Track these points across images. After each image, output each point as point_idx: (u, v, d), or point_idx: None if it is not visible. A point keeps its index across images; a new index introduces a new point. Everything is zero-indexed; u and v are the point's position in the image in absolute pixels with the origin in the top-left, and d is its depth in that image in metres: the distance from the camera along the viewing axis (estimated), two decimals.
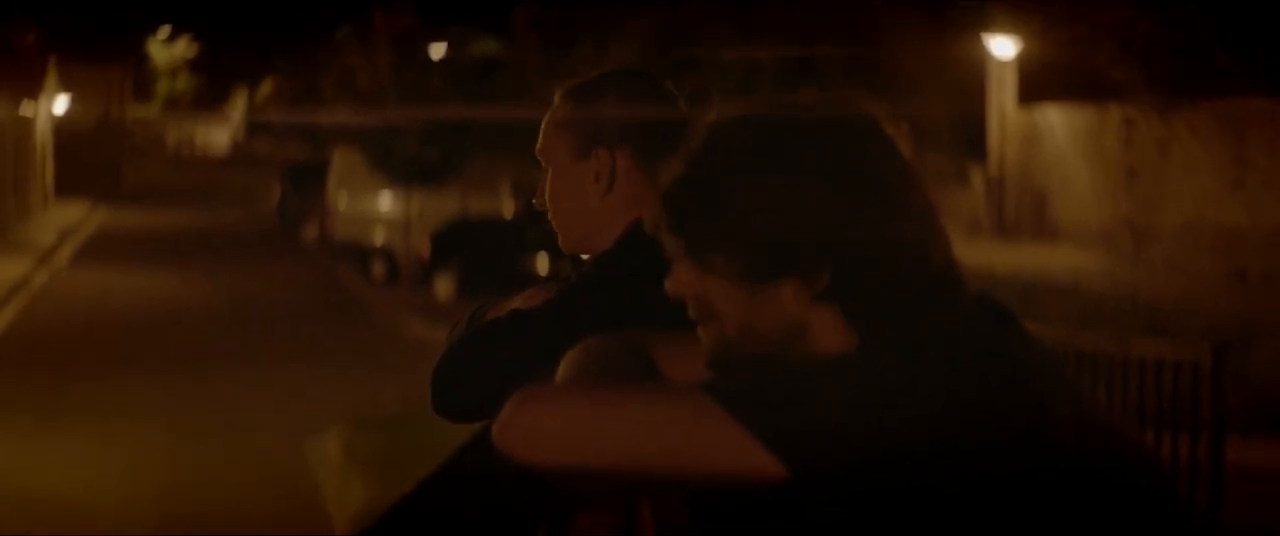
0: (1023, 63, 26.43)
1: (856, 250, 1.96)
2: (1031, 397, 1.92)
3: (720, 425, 1.87)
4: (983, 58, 27.02)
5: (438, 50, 33.33)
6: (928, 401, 1.86)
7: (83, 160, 52.60)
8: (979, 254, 24.55)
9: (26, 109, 39.45)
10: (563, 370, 2.10)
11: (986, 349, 1.94)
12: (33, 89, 40.51)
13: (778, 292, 1.98)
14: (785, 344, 1.99)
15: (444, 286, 22.80)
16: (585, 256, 2.86)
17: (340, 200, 30.12)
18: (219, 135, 72.59)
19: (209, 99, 74.73)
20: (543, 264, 21.12)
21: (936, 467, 1.85)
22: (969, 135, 28.00)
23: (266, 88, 70.61)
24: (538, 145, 2.89)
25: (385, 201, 27.81)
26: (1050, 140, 26.24)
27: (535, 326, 2.67)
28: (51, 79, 44.35)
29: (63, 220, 39.83)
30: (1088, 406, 1.99)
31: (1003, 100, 27.19)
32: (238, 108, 73.84)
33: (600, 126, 2.84)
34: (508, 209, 25.97)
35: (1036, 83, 26.23)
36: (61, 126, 49.28)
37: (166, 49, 75.85)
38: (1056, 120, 26.07)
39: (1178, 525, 1.99)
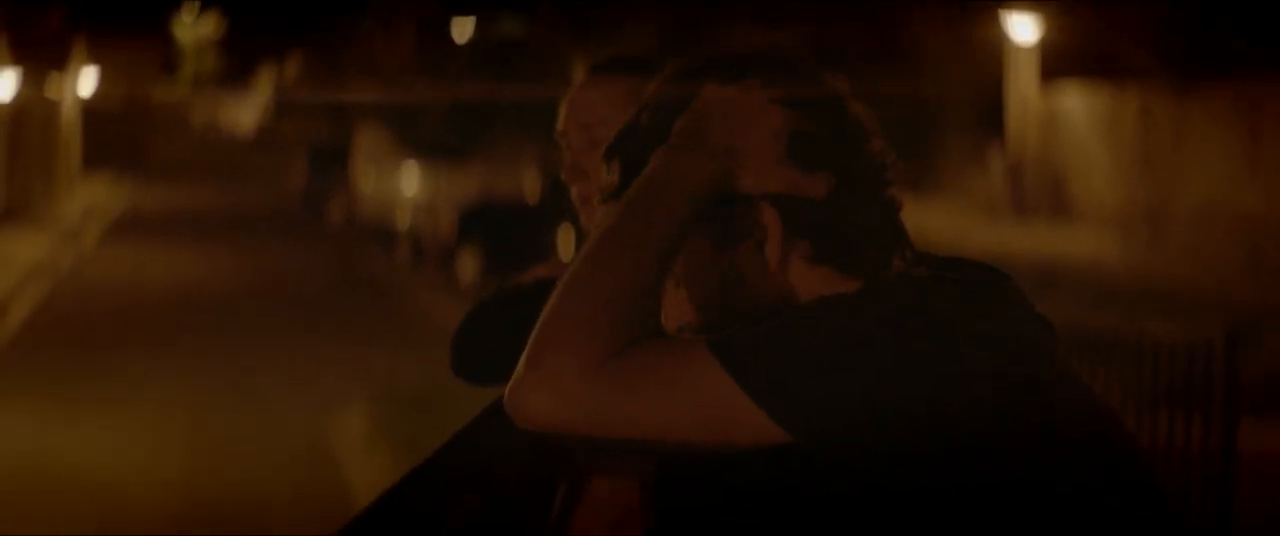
0: (1043, 40, 26.41)
1: (841, 214, 1.93)
2: (1034, 350, 1.88)
3: (723, 387, 1.80)
4: (1001, 40, 26.98)
5: (462, 31, 33.29)
6: (924, 351, 1.80)
7: (110, 138, 52.66)
8: (996, 236, 24.62)
9: (53, 85, 39.44)
10: None
11: (982, 301, 1.89)
12: (60, 64, 40.47)
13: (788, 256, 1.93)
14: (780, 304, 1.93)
15: (469, 266, 22.83)
16: None
17: (365, 181, 30.15)
18: (245, 115, 72.44)
19: (235, 77, 74.48)
20: (568, 242, 21.14)
21: (937, 433, 1.78)
22: (990, 114, 27.98)
23: (293, 66, 70.53)
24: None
25: (410, 182, 27.73)
26: (1069, 123, 26.27)
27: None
28: (80, 54, 44.35)
29: (89, 199, 39.95)
30: (1076, 377, 1.94)
31: (1022, 84, 27.18)
32: (264, 87, 73.74)
33: None
34: (532, 188, 26.00)
35: (1057, 59, 26.21)
36: (89, 105, 49.30)
37: (192, 29, 75.70)
38: (1075, 103, 26.09)
39: (1161, 510, 1.92)
